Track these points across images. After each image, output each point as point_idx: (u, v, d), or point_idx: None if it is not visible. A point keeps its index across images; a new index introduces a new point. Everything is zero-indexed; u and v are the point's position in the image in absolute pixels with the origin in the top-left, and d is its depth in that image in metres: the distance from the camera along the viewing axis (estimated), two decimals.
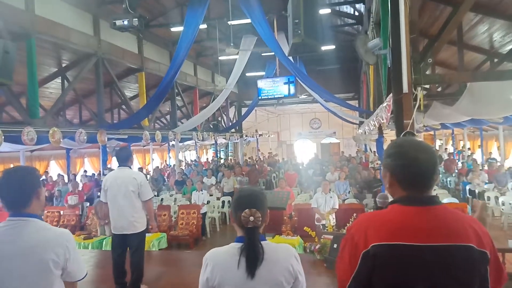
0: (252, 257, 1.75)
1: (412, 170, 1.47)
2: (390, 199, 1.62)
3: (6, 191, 1.98)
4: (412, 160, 1.48)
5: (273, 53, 12.28)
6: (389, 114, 5.51)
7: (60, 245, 1.94)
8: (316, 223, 7.47)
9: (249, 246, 1.77)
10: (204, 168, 16.52)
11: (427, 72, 4.66)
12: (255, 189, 1.99)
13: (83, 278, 2.08)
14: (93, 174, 14.13)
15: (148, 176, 14.57)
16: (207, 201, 10.29)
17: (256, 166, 17.15)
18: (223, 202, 11.26)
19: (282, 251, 1.85)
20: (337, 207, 7.67)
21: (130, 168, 4.79)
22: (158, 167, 17.73)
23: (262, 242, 1.80)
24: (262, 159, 21.56)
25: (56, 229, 2.05)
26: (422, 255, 1.38)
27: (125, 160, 4.69)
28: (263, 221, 1.86)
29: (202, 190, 10.14)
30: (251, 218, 1.78)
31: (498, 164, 12.38)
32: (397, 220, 1.45)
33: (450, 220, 1.44)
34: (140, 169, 16.16)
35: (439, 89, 9.32)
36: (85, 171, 15.51)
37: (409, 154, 1.49)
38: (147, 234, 4.93)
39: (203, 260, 1.86)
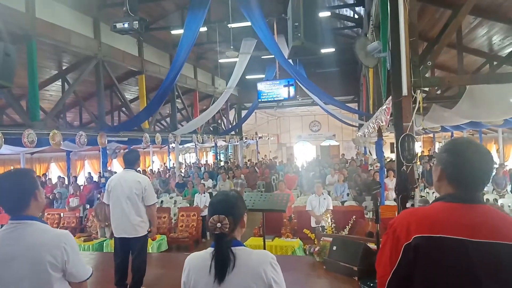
0: (220, 263, 1.74)
1: (463, 169, 1.47)
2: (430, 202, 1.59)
3: (3, 196, 1.99)
4: (466, 159, 1.47)
5: (273, 56, 12.30)
6: (388, 117, 5.53)
7: (57, 247, 1.94)
8: (315, 225, 7.48)
9: (216, 252, 1.77)
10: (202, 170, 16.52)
11: (427, 75, 4.67)
12: (229, 193, 1.95)
13: (88, 278, 2.09)
14: (92, 177, 14.14)
15: (155, 178, 14.56)
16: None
17: (256, 168, 17.14)
18: None
19: (256, 257, 1.81)
20: (331, 208, 7.67)
21: (136, 171, 4.76)
22: (163, 168, 17.67)
23: (236, 248, 1.78)
24: (262, 162, 21.54)
25: (55, 231, 2.05)
26: (465, 249, 1.36)
27: (132, 162, 4.66)
28: (234, 227, 1.82)
29: (204, 193, 10.14)
30: (218, 225, 1.76)
31: (496, 166, 12.37)
32: (440, 214, 1.45)
33: (496, 218, 1.42)
34: (143, 172, 16.15)
35: (439, 92, 9.34)
36: (89, 173, 15.51)
37: (465, 153, 1.48)
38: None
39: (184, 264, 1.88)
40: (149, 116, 12.22)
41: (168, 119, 18.38)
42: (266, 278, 1.75)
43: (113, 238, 5.01)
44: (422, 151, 22.42)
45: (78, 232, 8.74)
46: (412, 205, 4.15)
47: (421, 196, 4.33)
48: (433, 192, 10.67)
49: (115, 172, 10.93)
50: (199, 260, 1.84)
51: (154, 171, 18.10)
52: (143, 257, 4.63)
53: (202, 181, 12.75)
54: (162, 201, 11.36)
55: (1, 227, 2.17)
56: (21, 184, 2.00)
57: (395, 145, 4.47)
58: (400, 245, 1.41)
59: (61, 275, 1.96)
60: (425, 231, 1.39)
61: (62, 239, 1.98)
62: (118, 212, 4.48)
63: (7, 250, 1.90)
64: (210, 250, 1.82)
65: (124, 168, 4.69)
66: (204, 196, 10.04)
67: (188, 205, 10.11)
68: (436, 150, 20.83)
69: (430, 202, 1.65)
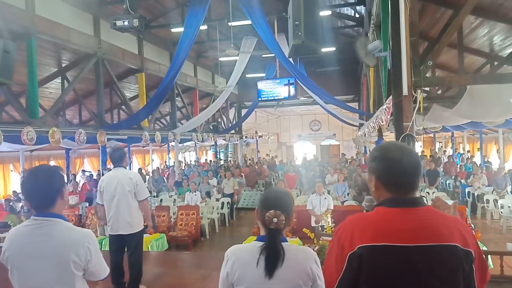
0: (272, 258, 1.77)
1: (395, 171, 1.50)
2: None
3: (32, 192, 2.00)
4: (395, 162, 1.50)
5: (273, 55, 12.29)
6: (388, 116, 5.52)
7: (82, 246, 1.96)
8: (315, 224, 7.46)
9: (269, 246, 1.79)
10: (204, 169, 16.51)
11: (427, 75, 4.66)
12: (282, 191, 2.02)
13: (105, 278, 2.12)
14: (91, 175, 14.13)
15: (148, 177, 14.57)
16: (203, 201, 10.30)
17: (256, 167, 17.14)
18: (222, 203, 11.24)
19: (302, 253, 1.86)
20: (332, 207, 7.66)
21: (125, 168, 4.79)
22: (158, 167, 17.73)
23: (283, 244, 1.82)
24: (261, 161, 21.53)
25: (79, 230, 2.06)
26: (407, 255, 1.40)
27: (119, 160, 4.69)
28: (287, 224, 1.88)
29: (195, 191, 10.14)
30: (275, 220, 1.80)
31: (493, 166, 12.40)
32: (381, 222, 1.47)
33: (434, 220, 1.46)
34: (139, 170, 16.14)
35: (439, 92, 9.34)
36: (83, 171, 15.51)
37: (392, 156, 1.52)
38: (145, 235, 4.92)
39: (224, 255, 1.89)
40: (149, 114, 12.21)
41: (168, 118, 18.37)
42: (312, 274, 1.81)
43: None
44: (423, 151, 22.41)
45: None
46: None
47: (422, 196, 4.30)
48: (433, 192, 10.67)
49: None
50: (245, 252, 1.85)
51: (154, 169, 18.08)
52: (139, 253, 4.67)
53: (202, 180, 12.80)
54: (161, 200, 11.36)
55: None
56: (51, 182, 2.02)
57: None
58: (345, 254, 1.45)
59: (82, 274, 1.99)
60: (368, 240, 1.43)
61: (87, 238, 2.01)
62: (113, 210, 4.53)
63: (40, 246, 1.92)
64: (258, 243, 1.83)
65: (114, 167, 4.71)
66: (195, 194, 10.03)
67: (186, 204, 10.09)
68: (437, 150, 20.84)
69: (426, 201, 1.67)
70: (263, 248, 1.79)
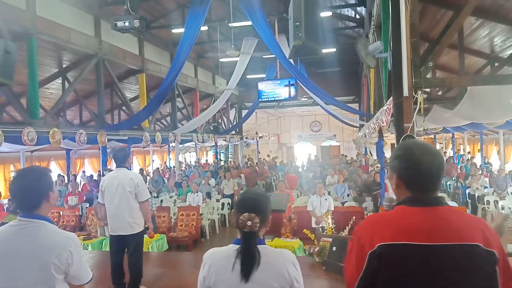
0: (247, 261, 1.75)
1: (417, 171, 1.50)
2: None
3: (17, 192, 2.01)
4: (418, 162, 1.50)
5: (274, 56, 12.29)
6: (389, 118, 5.50)
7: (64, 249, 1.96)
8: (315, 225, 7.46)
9: (244, 250, 1.77)
10: (204, 170, 16.51)
11: (428, 76, 4.66)
12: (258, 192, 1.97)
13: (88, 282, 2.11)
14: (92, 176, 14.12)
15: (148, 177, 14.56)
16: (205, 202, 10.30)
17: (256, 168, 17.13)
18: (223, 204, 11.25)
19: (280, 256, 1.83)
20: (332, 209, 7.66)
21: (128, 168, 4.80)
22: (158, 168, 17.72)
23: (260, 246, 1.79)
24: (262, 162, 21.51)
25: (63, 233, 2.06)
26: (426, 254, 1.40)
27: (122, 161, 4.69)
28: (262, 226, 1.85)
29: (197, 192, 10.14)
30: (249, 223, 1.77)
31: (491, 168, 12.38)
32: (402, 221, 1.48)
33: (455, 220, 1.46)
34: (141, 170, 16.14)
35: (440, 93, 9.33)
36: (83, 171, 15.51)
37: (415, 156, 1.52)
38: (145, 237, 4.91)
39: (203, 259, 1.88)
40: (149, 115, 12.22)
41: (168, 118, 18.38)
42: (289, 277, 1.78)
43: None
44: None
45: (77, 231, 8.72)
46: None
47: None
48: None
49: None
50: (221, 256, 1.84)
51: (152, 170, 18.08)
52: (139, 253, 4.66)
53: (202, 181, 12.80)
54: (161, 200, 11.36)
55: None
56: (38, 184, 2.02)
57: (395, 146, 4.45)
58: (365, 253, 1.46)
59: (63, 277, 1.98)
60: (388, 239, 1.43)
61: (70, 241, 2.00)
62: (113, 210, 4.53)
63: (22, 247, 1.92)
64: (234, 247, 1.81)
65: (116, 167, 4.71)
66: (197, 195, 10.03)
67: (188, 204, 10.09)
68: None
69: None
70: (239, 252, 1.77)
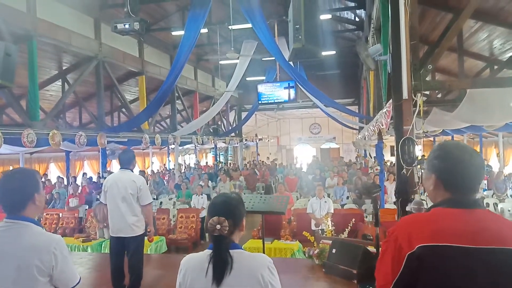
0: (218, 266, 1.73)
1: (458, 171, 1.47)
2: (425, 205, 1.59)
3: (3, 193, 2.00)
4: (459, 161, 1.47)
5: (273, 58, 12.30)
6: (388, 120, 5.52)
7: (46, 251, 1.93)
8: (315, 227, 7.46)
9: (215, 254, 1.76)
10: (203, 172, 16.51)
11: (427, 79, 4.66)
12: (230, 196, 1.94)
13: (75, 286, 2.06)
14: (91, 178, 14.11)
15: (150, 178, 14.55)
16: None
17: (256, 170, 17.12)
18: None
19: (254, 261, 1.80)
20: (332, 211, 7.66)
21: (132, 171, 4.77)
22: (157, 170, 17.72)
23: (234, 251, 1.77)
24: (260, 164, 21.51)
25: (47, 235, 2.03)
26: (467, 257, 1.36)
27: (127, 163, 4.67)
28: (235, 230, 1.82)
29: (202, 194, 10.12)
30: (218, 226, 1.74)
31: (493, 170, 12.37)
32: (441, 222, 1.43)
33: (494, 223, 1.42)
34: (142, 172, 16.13)
35: (439, 96, 9.33)
36: (84, 174, 15.48)
37: (456, 156, 1.49)
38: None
39: (180, 265, 1.87)
40: (149, 117, 12.23)
41: (168, 120, 18.39)
42: (263, 282, 1.74)
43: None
44: (423, 155, 22.37)
45: (77, 233, 8.70)
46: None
47: (422, 200, 4.30)
48: None
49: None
50: (196, 261, 1.82)
51: (154, 171, 18.07)
52: (139, 256, 4.63)
53: (201, 183, 12.79)
54: (161, 202, 11.35)
55: None
56: (24, 186, 2.01)
57: (395, 148, 4.46)
58: (403, 254, 1.39)
59: (47, 280, 1.95)
60: (428, 240, 1.38)
61: (53, 244, 1.96)
62: (115, 212, 4.51)
63: (6, 247, 1.91)
64: (207, 252, 1.80)
65: (120, 168, 4.70)
66: (202, 197, 10.03)
67: (187, 207, 10.08)
68: None
69: (425, 205, 1.65)
70: (211, 257, 1.76)
